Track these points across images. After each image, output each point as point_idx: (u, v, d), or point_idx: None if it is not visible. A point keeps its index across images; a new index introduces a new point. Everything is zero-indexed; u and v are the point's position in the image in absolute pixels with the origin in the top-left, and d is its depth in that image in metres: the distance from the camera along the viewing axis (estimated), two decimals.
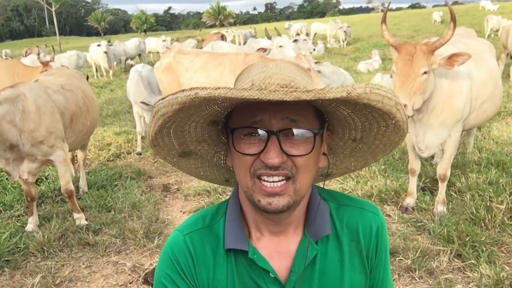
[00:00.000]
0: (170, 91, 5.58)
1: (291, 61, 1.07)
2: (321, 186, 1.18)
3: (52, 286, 3.22)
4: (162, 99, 0.93)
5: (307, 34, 23.54)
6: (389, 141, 1.08)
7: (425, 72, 3.03)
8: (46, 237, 3.80)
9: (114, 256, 3.61)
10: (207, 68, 5.60)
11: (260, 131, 0.94)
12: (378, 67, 13.12)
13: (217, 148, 1.16)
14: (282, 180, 0.94)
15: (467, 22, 23.92)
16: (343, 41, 21.90)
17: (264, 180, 0.94)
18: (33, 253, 3.63)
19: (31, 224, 4.02)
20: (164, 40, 19.77)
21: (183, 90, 0.88)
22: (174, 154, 1.12)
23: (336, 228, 1.09)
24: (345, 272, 1.07)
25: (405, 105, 2.97)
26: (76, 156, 5.31)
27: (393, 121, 0.98)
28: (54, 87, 4.02)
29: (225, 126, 1.04)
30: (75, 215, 4.08)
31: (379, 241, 1.12)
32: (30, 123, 3.52)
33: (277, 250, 1.06)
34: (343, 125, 1.06)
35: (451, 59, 3.08)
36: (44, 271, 3.37)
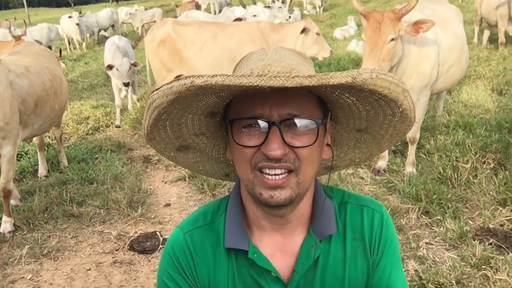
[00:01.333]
0: (169, 65, 5.43)
1: (291, 48, 1.03)
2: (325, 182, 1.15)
3: (40, 256, 3.33)
4: (157, 89, 0.89)
5: (283, 1, 23.30)
6: (395, 131, 1.03)
7: (392, 39, 3.16)
8: (30, 210, 3.88)
9: (99, 226, 3.73)
10: (219, 39, 5.34)
11: (261, 122, 0.90)
12: (353, 34, 13.18)
13: (215, 141, 1.12)
14: (284, 172, 0.91)
15: None
16: (319, 8, 21.76)
17: (266, 173, 0.91)
18: (19, 226, 3.71)
19: None
20: (130, 13, 19.33)
21: (178, 79, 0.84)
22: (172, 148, 1.09)
23: (339, 226, 1.05)
24: (347, 271, 1.04)
25: None
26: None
27: (400, 109, 0.93)
28: (18, 69, 3.74)
29: (223, 117, 1.01)
30: (4, 218, 3.66)
31: (383, 236, 1.06)
32: None
33: (280, 248, 1.03)
34: (347, 114, 1.01)
35: (416, 26, 3.21)
36: (31, 243, 3.46)
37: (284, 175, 0.91)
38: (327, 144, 1.03)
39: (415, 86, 3.70)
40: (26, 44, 4.92)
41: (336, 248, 1.04)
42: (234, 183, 1.14)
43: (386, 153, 4.21)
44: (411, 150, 4.08)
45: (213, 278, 1.04)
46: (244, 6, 8.18)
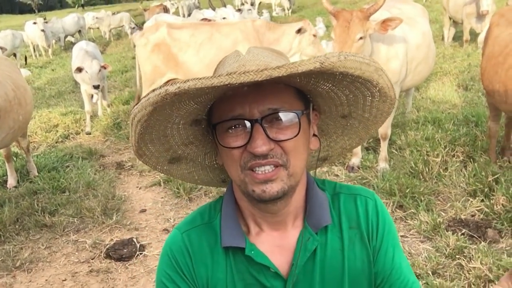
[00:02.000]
0: (163, 69, 5.32)
1: (266, 46, 1.06)
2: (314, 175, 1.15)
3: (13, 268, 3.23)
4: (136, 104, 0.90)
5: (252, 4, 23.37)
6: (379, 112, 1.05)
7: (361, 38, 3.22)
8: (1, 222, 3.76)
9: (73, 235, 3.64)
10: (215, 40, 5.30)
11: (243, 122, 0.91)
12: (322, 34, 13.31)
13: (205, 149, 1.12)
14: (273, 168, 0.92)
15: None
16: (288, 9, 21.95)
17: (256, 171, 0.92)
18: None
19: None
20: (97, 18, 19.05)
21: (153, 90, 0.85)
22: (164, 162, 1.09)
23: (334, 217, 1.06)
24: (345, 260, 1.04)
25: None
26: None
27: (377, 88, 0.94)
28: None
29: (208, 123, 1.02)
30: None
31: (380, 222, 1.07)
32: None
33: (277, 244, 1.04)
34: (328, 102, 1.02)
35: (385, 23, 3.28)
36: (3, 255, 3.36)
37: (272, 169, 0.92)
38: (314, 135, 1.04)
39: None
40: None
41: (333, 238, 1.05)
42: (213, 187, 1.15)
43: (359, 150, 4.28)
44: (383, 146, 4.15)
45: (211, 277, 1.04)
46: (214, 9, 8.16)
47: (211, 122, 0.98)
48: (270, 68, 0.78)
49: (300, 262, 1.02)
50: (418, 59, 4.03)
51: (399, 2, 4.59)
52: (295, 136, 0.92)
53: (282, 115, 0.91)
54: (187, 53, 5.30)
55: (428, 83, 6.67)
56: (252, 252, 1.01)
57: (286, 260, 1.03)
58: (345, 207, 1.08)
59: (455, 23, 9.64)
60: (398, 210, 3.48)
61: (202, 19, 6.33)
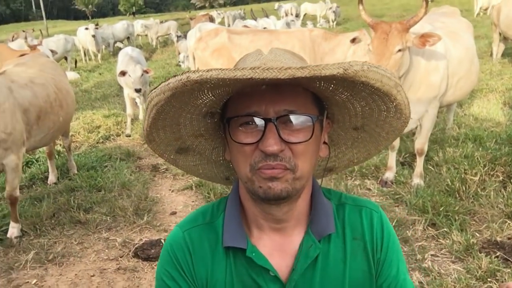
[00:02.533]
0: None
1: (287, 49, 1.05)
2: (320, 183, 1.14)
3: (45, 261, 3.35)
4: (155, 88, 0.91)
5: (297, 15, 23.46)
6: (391, 128, 1.05)
7: (399, 50, 3.15)
8: (38, 216, 3.92)
9: (105, 232, 3.75)
10: (273, 46, 5.47)
11: (257, 119, 0.91)
12: None
13: (214, 143, 1.13)
14: (281, 170, 0.92)
15: (456, 1, 23.94)
16: (333, 21, 21.89)
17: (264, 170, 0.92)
18: (26, 231, 3.75)
19: None
20: (145, 26, 19.72)
21: (174, 76, 0.86)
22: (171, 151, 1.10)
23: (338, 227, 1.06)
24: (347, 271, 1.04)
25: None
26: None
27: (394, 104, 0.94)
28: (22, 80, 3.74)
29: (221, 118, 1.02)
30: (12, 224, 3.71)
31: (385, 234, 1.07)
32: None
33: (278, 248, 1.03)
34: (342, 111, 1.03)
35: (423, 38, 3.20)
36: (37, 248, 3.49)
37: (280, 170, 0.92)
38: (324, 142, 1.04)
39: (424, 98, 3.68)
40: (33, 55, 4.87)
41: (335, 248, 1.04)
42: None
43: (393, 164, 4.18)
44: (419, 162, 4.04)
45: (210, 276, 1.04)
46: (255, 19, 8.26)
47: (225, 116, 0.98)
48: (294, 67, 0.79)
49: (300, 268, 1.01)
50: (460, 74, 3.90)
51: (443, 15, 4.50)
52: (307, 140, 0.92)
53: (296, 117, 0.92)
54: None
55: (472, 99, 6.44)
56: (253, 254, 1.00)
57: (287, 265, 1.02)
58: (350, 218, 1.07)
59: (505, 39, 9.29)
60: (430, 228, 3.36)
61: (243, 26, 6.42)
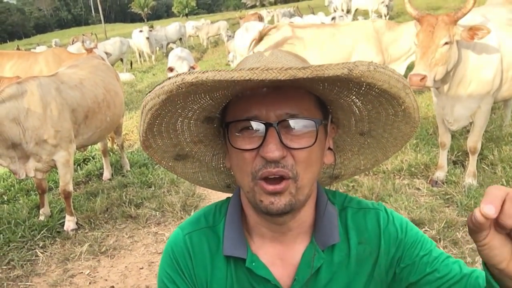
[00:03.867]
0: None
1: (289, 51, 0.99)
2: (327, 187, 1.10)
3: (98, 253, 3.54)
4: (150, 91, 0.86)
5: (348, 11, 23.05)
6: (400, 134, 0.99)
7: (446, 43, 3.04)
8: (93, 210, 4.14)
9: (154, 227, 3.89)
10: (337, 39, 5.62)
11: (258, 124, 0.86)
12: None
13: (214, 150, 1.08)
14: (283, 179, 0.87)
15: None
16: (385, 16, 21.26)
17: (266, 179, 0.87)
18: (81, 225, 3.97)
19: (42, 215, 4.04)
20: (196, 27, 20.16)
21: (169, 78, 0.81)
22: (169, 157, 1.05)
23: (341, 233, 1.01)
24: (353, 279, 0.99)
25: (424, 77, 3.01)
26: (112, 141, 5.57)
27: (402, 107, 0.89)
28: (72, 81, 3.92)
29: (221, 123, 0.97)
30: (67, 217, 3.90)
31: (398, 231, 1.00)
32: (35, 121, 3.43)
33: (280, 257, 0.99)
34: (348, 116, 0.97)
35: (471, 31, 3.06)
36: (91, 241, 3.69)
37: (282, 181, 0.87)
38: (329, 148, 0.98)
39: (475, 94, 3.52)
40: (86, 57, 5.11)
41: (339, 256, 0.99)
42: None
43: (444, 163, 4.03)
44: (472, 161, 3.87)
45: (210, 282, 1.02)
46: (301, 16, 8.24)
47: (224, 121, 0.93)
48: (295, 68, 0.73)
49: (302, 278, 0.97)
50: None
51: (501, 5, 4.26)
52: (310, 146, 0.87)
53: (299, 121, 0.86)
54: (311, 51, 5.53)
55: None
56: (253, 264, 0.97)
57: (289, 274, 0.98)
58: (354, 222, 1.02)
59: None
60: None
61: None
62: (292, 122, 0.86)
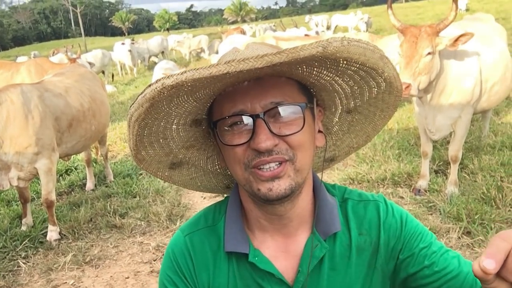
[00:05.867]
0: None
1: (263, 42, 1.04)
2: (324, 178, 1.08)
3: (83, 263, 3.48)
4: (133, 102, 0.85)
5: (328, 27, 23.50)
6: (385, 105, 1.01)
7: (429, 53, 3.14)
8: (76, 220, 4.08)
9: (139, 237, 3.85)
10: None
11: (245, 118, 0.86)
12: None
13: (207, 153, 1.08)
14: (279, 164, 0.87)
15: (493, 9, 23.42)
16: (365, 32, 21.77)
17: (261, 169, 0.87)
18: (65, 234, 3.90)
19: (25, 226, 3.97)
20: (178, 41, 20.20)
21: (149, 85, 0.81)
22: (164, 168, 1.04)
23: (342, 223, 1.01)
24: (355, 268, 0.99)
25: (408, 85, 3.09)
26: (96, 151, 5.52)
27: (383, 77, 0.90)
28: (57, 89, 3.90)
29: (208, 123, 0.98)
30: (50, 227, 3.83)
31: (397, 223, 1.00)
32: (15, 129, 3.38)
33: (283, 249, 0.99)
34: (332, 96, 0.98)
35: (454, 38, 3.18)
36: (75, 251, 3.63)
37: (278, 165, 0.87)
38: (320, 131, 0.99)
39: (456, 103, 3.63)
40: (72, 66, 5.08)
41: (341, 246, 0.99)
42: None
43: (426, 172, 4.12)
44: (453, 169, 3.96)
45: (212, 281, 1.00)
46: (284, 30, 8.38)
47: (211, 120, 0.93)
48: (270, 54, 0.73)
49: (306, 269, 0.96)
50: (494, 79, 3.83)
51: (477, 21, 4.43)
52: (299, 130, 0.87)
53: (285, 108, 0.87)
54: None
55: (509, 107, 6.27)
56: (256, 258, 0.96)
57: (292, 266, 0.98)
58: (355, 213, 1.02)
59: None
60: (465, 236, 3.29)
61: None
62: (278, 110, 0.87)
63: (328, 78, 0.91)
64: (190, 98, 0.86)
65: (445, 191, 3.95)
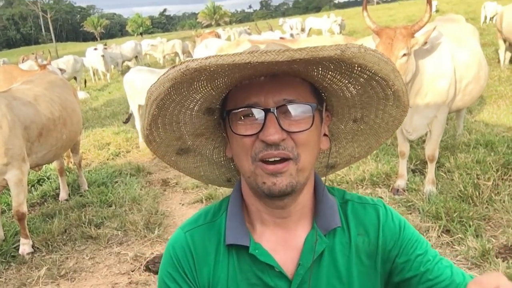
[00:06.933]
0: None
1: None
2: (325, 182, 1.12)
3: (58, 277, 3.35)
4: (154, 83, 0.90)
5: (303, 30, 23.62)
6: (391, 118, 1.04)
7: (404, 54, 3.16)
8: (50, 232, 3.93)
9: (116, 247, 3.74)
10: None
11: (257, 111, 0.91)
12: None
13: (215, 143, 1.12)
14: (283, 160, 0.91)
15: (462, 10, 24.00)
16: (338, 35, 22.00)
17: (266, 161, 0.91)
18: (38, 247, 3.76)
19: None
20: (151, 45, 20.00)
21: (173, 66, 0.85)
22: (172, 152, 1.08)
23: (342, 223, 1.04)
24: (352, 266, 1.02)
25: None
26: (70, 159, 5.38)
27: (392, 90, 0.94)
28: (25, 98, 3.80)
29: (221, 114, 1.01)
30: (22, 240, 3.70)
31: (395, 227, 1.03)
32: None
33: (283, 243, 1.01)
34: (341, 102, 1.02)
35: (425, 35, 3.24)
36: (49, 264, 3.50)
37: (284, 162, 0.91)
38: (325, 135, 1.03)
39: (432, 103, 3.66)
40: (42, 73, 4.91)
41: (341, 242, 1.02)
42: None
43: (404, 172, 4.14)
44: (431, 168, 4.00)
45: (213, 277, 1.02)
46: (259, 33, 8.39)
47: (225, 109, 0.97)
48: (292, 49, 0.77)
49: (306, 263, 0.99)
50: (468, 78, 3.88)
51: (449, 22, 4.49)
52: (307, 129, 0.91)
53: (296, 106, 0.91)
54: None
55: (482, 106, 6.40)
56: (257, 251, 0.99)
57: (292, 260, 1.00)
58: (354, 215, 1.05)
59: (510, 45, 9.26)
60: (444, 235, 3.31)
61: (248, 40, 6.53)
62: (289, 107, 0.90)
63: (341, 84, 0.95)
64: (209, 85, 0.90)
65: (423, 190, 3.98)
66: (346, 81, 0.94)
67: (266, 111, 0.89)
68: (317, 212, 1.02)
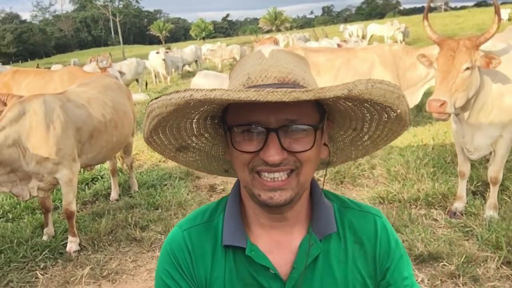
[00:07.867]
0: None
1: (288, 50, 1.05)
2: (325, 187, 1.14)
3: (100, 277, 3.40)
4: (156, 98, 0.90)
5: (363, 36, 23.14)
6: (390, 132, 1.05)
7: (467, 68, 2.91)
8: (97, 232, 4.02)
9: (158, 251, 3.75)
10: (352, 64, 5.49)
11: (259, 129, 0.91)
12: None
13: (215, 141, 1.12)
14: (285, 174, 0.92)
15: None
16: (401, 42, 21.29)
17: (265, 176, 0.92)
18: (84, 246, 3.85)
19: (46, 235, 3.95)
20: (211, 50, 20.34)
21: (177, 91, 0.85)
22: (171, 149, 1.09)
23: (339, 229, 1.06)
24: (348, 273, 1.04)
25: (444, 102, 2.87)
26: (123, 160, 5.51)
27: (395, 113, 0.95)
28: (79, 100, 3.89)
29: (221, 120, 1.02)
30: (70, 238, 3.80)
31: (391, 241, 1.07)
32: (37, 140, 3.38)
33: (279, 246, 1.03)
34: (343, 115, 1.02)
35: (487, 58, 2.93)
36: (93, 263, 3.56)
37: (284, 177, 0.92)
38: (324, 144, 1.04)
39: (497, 121, 3.37)
40: (98, 76, 5.06)
41: (336, 248, 1.04)
42: None
43: (463, 193, 3.85)
44: (493, 192, 3.68)
45: (210, 275, 1.04)
46: (317, 40, 8.26)
47: (225, 119, 0.98)
48: (298, 91, 0.79)
49: (301, 266, 1.00)
50: None
51: None
52: (308, 149, 0.92)
53: (298, 127, 0.91)
54: (325, 76, 5.40)
55: None
56: (253, 252, 1.01)
57: (287, 263, 1.02)
58: (352, 222, 1.07)
59: None
60: (504, 267, 3.02)
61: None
62: (291, 128, 0.91)
63: (345, 105, 0.96)
64: (212, 104, 0.93)
65: (483, 215, 3.67)
66: (351, 104, 0.95)
67: (269, 130, 0.90)
68: (313, 217, 1.05)
